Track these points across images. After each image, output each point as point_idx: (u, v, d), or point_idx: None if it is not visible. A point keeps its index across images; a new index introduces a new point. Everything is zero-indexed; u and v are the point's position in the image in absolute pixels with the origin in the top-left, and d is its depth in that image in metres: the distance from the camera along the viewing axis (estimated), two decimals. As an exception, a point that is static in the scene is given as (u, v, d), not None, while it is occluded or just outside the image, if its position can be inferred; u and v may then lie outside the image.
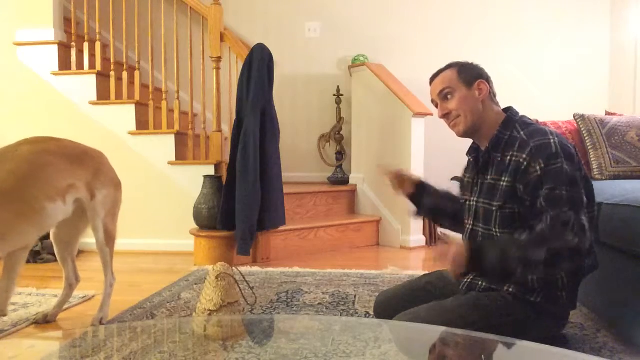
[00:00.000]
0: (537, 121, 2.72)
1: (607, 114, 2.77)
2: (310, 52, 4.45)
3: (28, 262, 3.17)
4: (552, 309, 1.56)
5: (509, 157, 1.54)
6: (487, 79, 1.64)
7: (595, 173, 2.41)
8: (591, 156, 2.44)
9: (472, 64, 1.68)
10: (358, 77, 4.13)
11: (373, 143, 4.00)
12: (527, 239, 1.43)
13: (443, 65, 1.71)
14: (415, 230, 3.72)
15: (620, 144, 2.42)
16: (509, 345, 1.24)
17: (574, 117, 2.59)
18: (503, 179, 1.54)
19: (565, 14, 4.20)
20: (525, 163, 1.48)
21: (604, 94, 4.15)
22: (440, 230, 3.94)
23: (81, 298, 2.39)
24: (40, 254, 3.22)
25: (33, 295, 2.46)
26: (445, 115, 1.64)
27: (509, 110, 1.64)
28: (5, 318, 2.10)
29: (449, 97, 1.62)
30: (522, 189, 1.49)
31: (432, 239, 3.80)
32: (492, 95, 1.64)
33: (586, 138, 2.48)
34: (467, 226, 1.69)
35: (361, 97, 4.11)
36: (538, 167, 1.46)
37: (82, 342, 1.37)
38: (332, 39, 4.41)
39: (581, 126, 2.52)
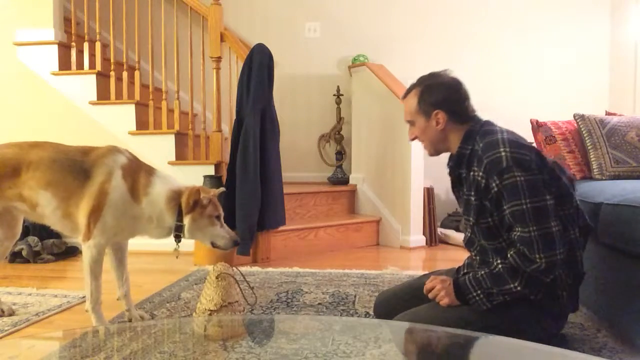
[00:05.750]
0: (540, 122, 2.72)
1: (607, 114, 2.77)
2: (310, 52, 4.45)
3: (28, 262, 3.17)
4: (551, 308, 1.56)
5: (472, 174, 1.55)
6: (451, 101, 1.60)
7: (595, 173, 2.41)
8: (591, 156, 2.44)
9: (436, 82, 1.63)
10: (358, 77, 4.13)
11: (373, 143, 3.99)
12: (500, 271, 1.48)
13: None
14: (415, 230, 3.72)
15: (620, 144, 2.42)
16: (509, 345, 1.23)
17: (574, 117, 2.59)
18: (472, 194, 1.56)
19: (565, 14, 4.20)
20: (483, 181, 1.50)
21: (604, 94, 4.15)
22: (440, 230, 3.94)
23: (81, 298, 2.39)
24: (40, 254, 3.22)
25: (33, 295, 2.46)
26: (414, 139, 1.70)
27: (472, 120, 1.61)
28: (5, 318, 2.11)
29: (411, 125, 1.68)
30: (488, 205, 1.52)
31: (432, 239, 3.80)
32: (454, 118, 1.60)
33: (586, 138, 2.48)
34: (467, 233, 1.71)
35: (361, 97, 4.11)
36: (494, 184, 1.48)
37: (82, 342, 1.36)
38: (332, 39, 4.41)
39: (581, 126, 2.52)
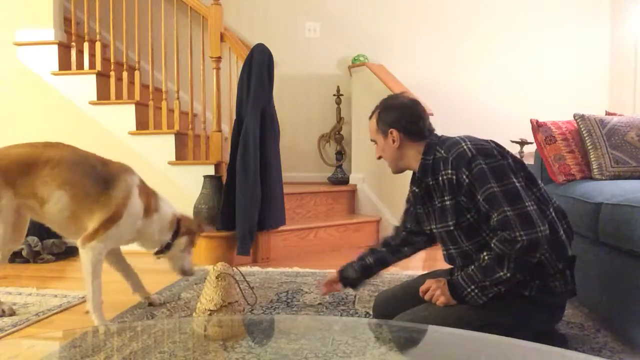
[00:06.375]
0: (540, 122, 2.72)
1: (607, 114, 2.77)
2: (310, 52, 4.45)
3: (28, 262, 3.17)
4: (548, 300, 1.58)
5: (441, 178, 1.60)
6: (405, 120, 1.71)
7: (595, 173, 2.41)
8: (591, 156, 2.44)
9: (392, 103, 1.78)
10: (358, 77, 4.13)
11: (373, 143, 3.99)
12: (488, 262, 1.51)
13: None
14: (415, 230, 3.72)
15: (620, 144, 2.42)
16: (508, 345, 1.24)
17: (574, 117, 2.58)
18: (446, 198, 1.61)
19: (565, 14, 4.20)
20: (453, 177, 1.56)
21: (604, 94, 4.15)
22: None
23: (81, 298, 2.39)
24: (40, 254, 3.22)
25: (33, 295, 2.46)
26: (379, 158, 1.83)
27: (428, 138, 1.71)
28: (5, 318, 2.11)
29: (376, 144, 1.82)
30: (464, 200, 1.56)
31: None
32: (408, 136, 1.71)
33: (586, 138, 2.48)
34: (443, 252, 1.75)
35: (361, 97, 4.11)
36: (464, 176, 1.54)
37: (82, 342, 1.36)
38: (332, 39, 4.41)
39: (581, 126, 2.52)
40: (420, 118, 1.72)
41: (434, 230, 1.72)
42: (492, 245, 1.51)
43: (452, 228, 1.61)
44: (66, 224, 2.03)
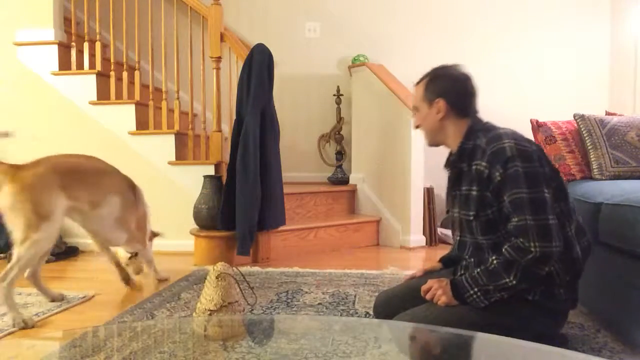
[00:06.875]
0: (540, 122, 2.72)
1: (607, 114, 2.77)
2: (310, 52, 4.45)
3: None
4: (550, 306, 1.56)
5: (474, 167, 1.58)
6: (454, 92, 1.65)
7: (595, 173, 2.41)
8: (591, 156, 2.44)
9: (444, 73, 1.70)
10: (358, 77, 4.13)
11: (373, 143, 4.00)
12: (495, 266, 1.50)
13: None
14: (415, 230, 3.72)
15: (620, 144, 2.42)
16: (509, 345, 1.23)
17: (574, 117, 2.58)
18: (473, 188, 1.58)
19: (565, 14, 4.20)
20: (486, 170, 1.53)
21: (604, 94, 4.15)
22: (440, 230, 3.94)
23: (81, 298, 2.39)
24: (40, 254, 3.22)
25: (33, 295, 2.46)
26: (417, 127, 1.76)
27: (473, 119, 1.66)
28: (5, 318, 2.10)
29: (416, 112, 1.74)
30: (489, 196, 1.54)
31: (432, 239, 3.80)
32: (454, 110, 1.65)
33: (586, 138, 2.48)
34: (456, 237, 1.73)
35: (361, 97, 4.11)
36: (497, 173, 1.50)
37: (82, 342, 1.36)
38: (332, 39, 4.41)
39: (581, 126, 2.52)
40: (470, 94, 1.66)
41: (454, 214, 1.70)
42: (503, 250, 1.50)
43: (471, 218, 1.59)
44: (111, 225, 2.43)
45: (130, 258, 2.69)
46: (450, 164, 1.70)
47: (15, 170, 2.09)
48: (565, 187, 1.60)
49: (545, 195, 1.47)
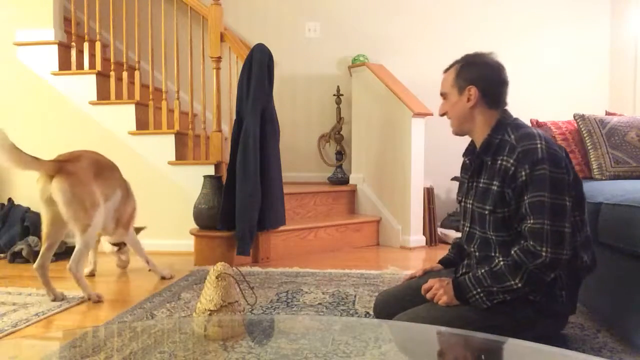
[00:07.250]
0: (540, 122, 2.73)
1: (607, 114, 2.77)
2: (310, 52, 4.45)
3: (27, 262, 3.17)
4: (552, 308, 1.56)
5: (499, 162, 1.55)
6: (487, 80, 1.61)
7: (595, 173, 2.41)
8: (591, 156, 2.44)
9: (478, 60, 1.65)
10: (358, 77, 4.13)
11: (373, 143, 3.99)
12: (501, 268, 1.49)
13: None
14: (415, 230, 3.72)
15: (620, 144, 2.42)
16: (509, 345, 1.23)
17: (574, 117, 2.59)
18: (494, 183, 1.56)
19: (565, 14, 4.20)
20: (512, 168, 1.51)
21: (604, 94, 4.15)
22: (440, 230, 3.94)
23: (81, 298, 2.39)
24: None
25: (33, 295, 2.46)
26: (443, 115, 1.70)
27: (503, 112, 1.63)
28: (5, 318, 2.10)
29: (444, 99, 1.69)
30: (510, 194, 1.52)
31: (432, 239, 3.80)
32: (485, 99, 1.61)
33: (586, 138, 2.48)
34: (465, 227, 1.71)
35: (361, 97, 4.11)
36: (523, 173, 1.48)
37: (82, 342, 1.36)
38: (332, 39, 4.41)
39: (581, 126, 2.52)
40: (503, 84, 1.61)
41: (467, 205, 1.67)
42: (512, 252, 1.49)
43: (486, 212, 1.57)
44: (112, 216, 2.59)
45: (116, 251, 2.90)
46: (472, 153, 1.67)
47: (61, 165, 2.29)
48: (584, 197, 1.59)
49: (566, 203, 1.47)
